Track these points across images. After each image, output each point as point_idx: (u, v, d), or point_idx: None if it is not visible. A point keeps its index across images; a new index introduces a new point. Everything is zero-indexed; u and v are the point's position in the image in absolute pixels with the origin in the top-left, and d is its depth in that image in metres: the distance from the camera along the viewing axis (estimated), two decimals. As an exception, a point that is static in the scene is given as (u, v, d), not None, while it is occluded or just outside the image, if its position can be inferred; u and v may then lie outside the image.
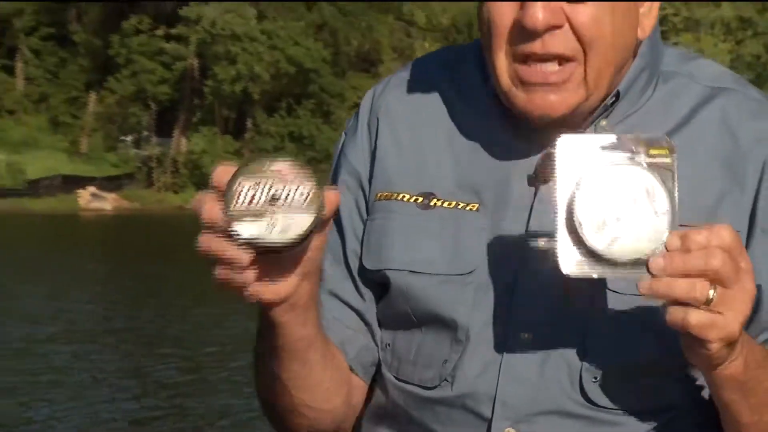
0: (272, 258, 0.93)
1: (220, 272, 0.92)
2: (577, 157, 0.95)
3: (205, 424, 8.29)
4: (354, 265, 1.19)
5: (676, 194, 0.94)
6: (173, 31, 54.19)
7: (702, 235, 0.93)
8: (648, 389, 1.08)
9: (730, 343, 0.96)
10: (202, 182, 43.15)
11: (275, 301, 0.97)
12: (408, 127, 1.18)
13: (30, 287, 16.92)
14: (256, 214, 0.91)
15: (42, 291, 16.56)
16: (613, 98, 1.10)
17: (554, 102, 1.06)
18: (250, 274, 0.92)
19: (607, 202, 0.94)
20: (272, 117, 55.35)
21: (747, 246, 1.06)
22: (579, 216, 0.94)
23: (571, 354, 1.08)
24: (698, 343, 0.95)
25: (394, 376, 1.17)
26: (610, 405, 1.08)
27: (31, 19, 56.92)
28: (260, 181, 0.92)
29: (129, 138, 54.99)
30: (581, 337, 1.07)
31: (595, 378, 1.07)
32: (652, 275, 0.93)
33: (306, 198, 0.92)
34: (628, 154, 0.95)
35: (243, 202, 0.91)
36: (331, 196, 0.93)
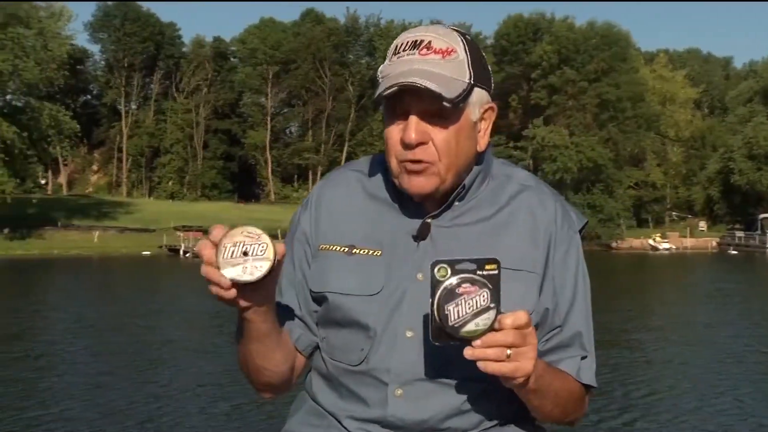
0: (247, 285, 1.32)
1: (213, 289, 1.32)
2: (445, 273, 1.31)
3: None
4: (298, 289, 1.59)
5: (500, 292, 1.30)
6: (518, 143, 70.84)
7: (509, 318, 1.30)
8: (477, 369, 1.36)
9: (527, 376, 1.34)
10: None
11: (246, 306, 1.39)
12: (338, 206, 1.58)
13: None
14: (234, 264, 1.28)
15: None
16: (462, 188, 1.50)
17: (422, 182, 1.46)
18: (232, 293, 1.31)
19: (461, 303, 1.29)
20: (577, 194, 68.08)
21: (541, 284, 1.49)
22: (444, 312, 1.30)
23: (436, 346, 1.38)
24: (507, 380, 1.35)
25: (330, 357, 1.55)
26: (459, 376, 1.46)
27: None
28: (237, 242, 1.28)
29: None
30: None
31: (449, 360, 1.44)
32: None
33: (264, 252, 1.29)
34: (473, 271, 1.30)
35: (227, 256, 1.28)
36: (280, 248, 1.32)
